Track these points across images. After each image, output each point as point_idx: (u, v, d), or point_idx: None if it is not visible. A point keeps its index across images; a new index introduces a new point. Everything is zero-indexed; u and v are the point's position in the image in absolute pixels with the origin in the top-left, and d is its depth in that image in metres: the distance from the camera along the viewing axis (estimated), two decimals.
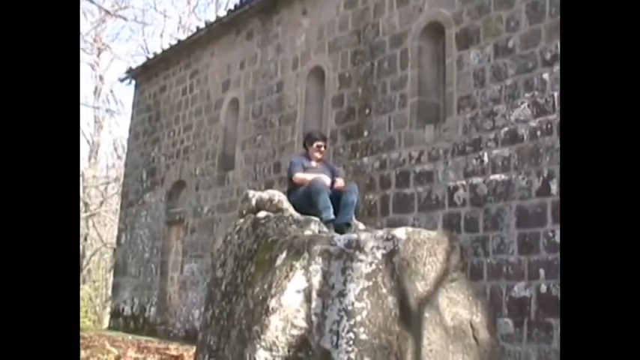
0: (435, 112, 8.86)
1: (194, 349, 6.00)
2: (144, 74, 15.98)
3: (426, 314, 4.43)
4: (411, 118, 8.88)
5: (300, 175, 6.26)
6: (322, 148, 6.57)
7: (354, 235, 4.75)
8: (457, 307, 4.66)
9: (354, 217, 6.06)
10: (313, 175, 6.20)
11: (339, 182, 6.24)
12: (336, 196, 5.99)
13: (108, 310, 19.65)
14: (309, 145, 6.59)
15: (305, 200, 5.90)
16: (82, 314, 18.90)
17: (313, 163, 6.47)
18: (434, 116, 8.80)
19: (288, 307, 4.40)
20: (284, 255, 4.69)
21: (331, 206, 5.81)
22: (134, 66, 16.41)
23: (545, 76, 7.34)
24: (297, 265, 4.56)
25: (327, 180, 6.18)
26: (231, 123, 12.69)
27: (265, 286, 4.61)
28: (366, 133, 9.49)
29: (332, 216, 5.74)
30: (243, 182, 11.75)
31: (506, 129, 7.66)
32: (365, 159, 9.40)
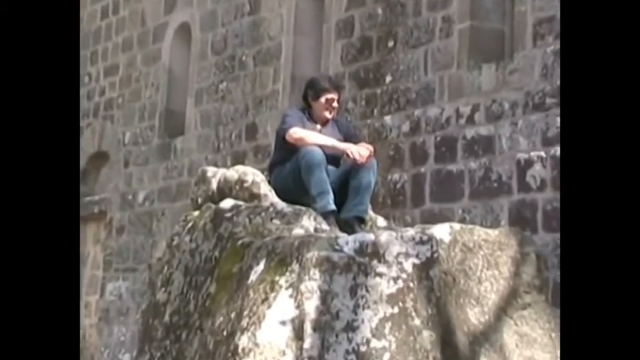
0: (497, 44, 8.83)
1: None
2: None
3: (483, 358, 4.44)
4: (459, 55, 8.85)
5: (298, 133, 6.14)
6: (334, 104, 6.49)
7: (370, 236, 4.76)
8: (533, 348, 4.68)
9: (369, 208, 6.08)
10: (320, 136, 6.13)
11: (359, 152, 6.07)
12: (343, 176, 5.98)
13: None
14: (314, 99, 6.47)
15: (293, 180, 5.89)
16: None
17: (318, 126, 6.40)
18: (496, 51, 8.78)
19: (268, 347, 4.41)
20: (261, 266, 4.71)
21: (331, 191, 5.80)
22: None
23: None
24: (282, 281, 4.58)
25: (341, 145, 6.09)
26: (180, 63, 12.68)
27: (232, 315, 4.62)
28: (388, 79, 9.46)
29: (331, 206, 5.75)
30: (199, 155, 11.75)
31: None
32: (387, 118, 9.38)
